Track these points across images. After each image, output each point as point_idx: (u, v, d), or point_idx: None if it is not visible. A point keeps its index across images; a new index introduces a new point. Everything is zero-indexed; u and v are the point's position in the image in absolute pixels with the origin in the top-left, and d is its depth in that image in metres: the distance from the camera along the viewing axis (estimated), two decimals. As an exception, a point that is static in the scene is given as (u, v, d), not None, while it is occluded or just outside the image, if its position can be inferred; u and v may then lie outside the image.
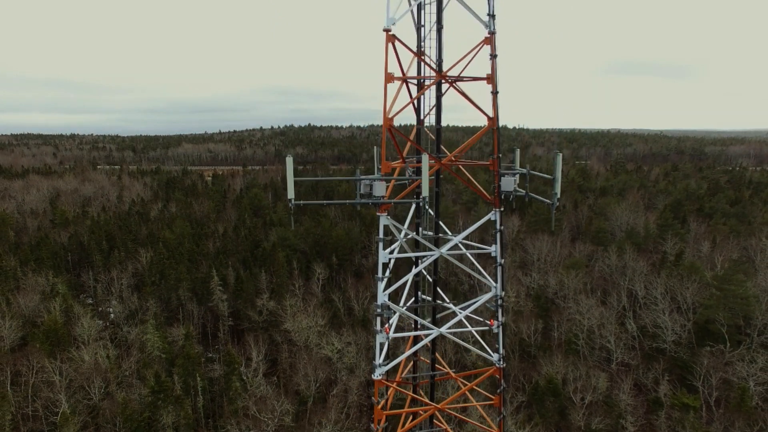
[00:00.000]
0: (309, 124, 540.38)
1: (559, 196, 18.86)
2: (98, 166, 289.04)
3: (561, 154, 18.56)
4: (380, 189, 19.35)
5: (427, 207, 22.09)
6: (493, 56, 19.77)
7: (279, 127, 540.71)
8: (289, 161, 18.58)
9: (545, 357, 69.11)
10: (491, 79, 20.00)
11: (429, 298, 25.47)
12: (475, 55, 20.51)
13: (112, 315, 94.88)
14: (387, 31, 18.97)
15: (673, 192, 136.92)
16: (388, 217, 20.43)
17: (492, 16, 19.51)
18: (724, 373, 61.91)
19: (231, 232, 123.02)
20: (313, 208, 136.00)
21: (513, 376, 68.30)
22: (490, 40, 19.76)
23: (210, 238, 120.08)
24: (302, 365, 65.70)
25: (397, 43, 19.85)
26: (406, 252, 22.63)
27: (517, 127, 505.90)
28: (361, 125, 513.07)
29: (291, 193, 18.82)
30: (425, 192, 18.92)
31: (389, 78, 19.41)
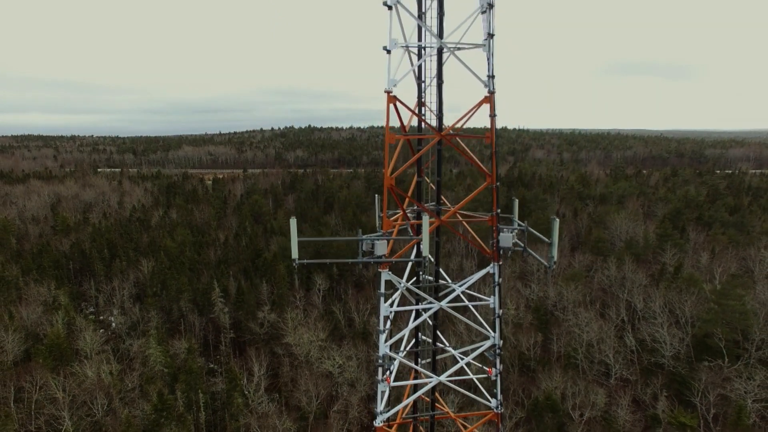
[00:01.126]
0: (309, 125, 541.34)
1: (555, 259, 19.27)
2: (98, 169, 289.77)
3: (558, 220, 18.96)
4: (382, 248, 19.79)
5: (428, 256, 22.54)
6: (493, 116, 20.17)
7: (279, 128, 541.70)
8: (293, 223, 19.01)
9: (544, 371, 69.53)
10: (490, 137, 20.42)
11: (429, 340, 25.95)
12: (474, 112, 20.97)
13: (113, 324, 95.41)
14: (388, 92, 19.37)
15: (673, 200, 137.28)
16: (390, 272, 20.86)
17: (491, 77, 19.91)
18: (722, 389, 62.31)
19: (232, 240, 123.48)
20: (314, 216, 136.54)
21: (512, 390, 68.76)
22: (489, 99, 20.17)
23: (211, 247, 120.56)
24: (303, 381, 66.15)
25: (397, 97, 20.32)
26: (408, 300, 23.14)
27: (518, 128, 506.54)
28: (362, 126, 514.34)
29: (295, 254, 19.26)
30: (426, 252, 19.36)
31: (390, 138, 19.82)
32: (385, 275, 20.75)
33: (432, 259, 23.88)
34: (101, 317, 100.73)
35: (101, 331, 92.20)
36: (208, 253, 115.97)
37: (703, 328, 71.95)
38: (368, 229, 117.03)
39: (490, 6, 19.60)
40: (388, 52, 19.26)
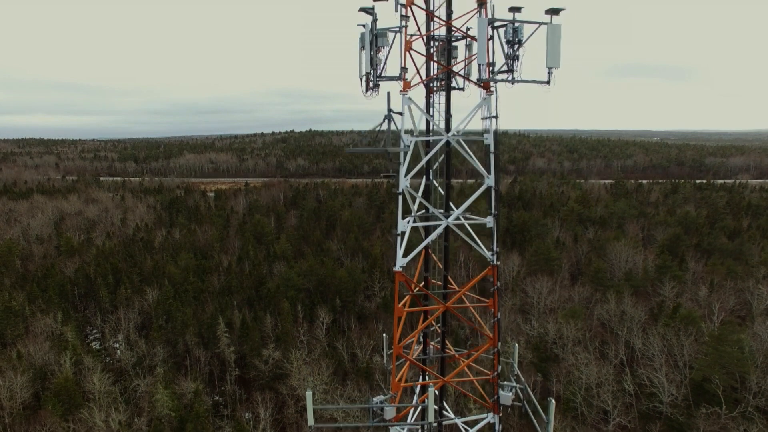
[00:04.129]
0: (310, 129, 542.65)
1: (554, 436, 20.50)
2: (101, 178, 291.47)
3: (554, 402, 20.16)
4: (391, 412, 21.02)
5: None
6: (496, 288, 21.33)
7: (280, 132, 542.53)
8: (309, 395, 20.28)
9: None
10: (493, 305, 21.58)
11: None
12: (479, 280, 22.18)
13: (118, 352, 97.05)
14: (397, 272, 20.52)
15: (672, 222, 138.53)
16: (398, 429, 22.10)
17: (496, 252, 21.05)
18: (719, 439, 63.61)
19: (235, 265, 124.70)
20: (316, 239, 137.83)
21: (513, 435, 70.08)
22: (493, 270, 21.34)
23: (214, 272, 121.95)
24: (308, 427, 67.43)
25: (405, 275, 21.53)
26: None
27: (519, 132, 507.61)
28: (362, 130, 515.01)
29: (311, 421, 20.55)
30: (431, 419, 20.55)
31: (399, 311, 21.00)
32: (394, 431, 21.98)
33: (437, 393, 25.05)
34: (106, 344, 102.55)
35: (107, 360, 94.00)
36: (212, 280, 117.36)
37: (701, 372, 73.13)
38: (371, 256, 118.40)
39: (496, 191, 20.76)
40: (398, 234, 20.42)
